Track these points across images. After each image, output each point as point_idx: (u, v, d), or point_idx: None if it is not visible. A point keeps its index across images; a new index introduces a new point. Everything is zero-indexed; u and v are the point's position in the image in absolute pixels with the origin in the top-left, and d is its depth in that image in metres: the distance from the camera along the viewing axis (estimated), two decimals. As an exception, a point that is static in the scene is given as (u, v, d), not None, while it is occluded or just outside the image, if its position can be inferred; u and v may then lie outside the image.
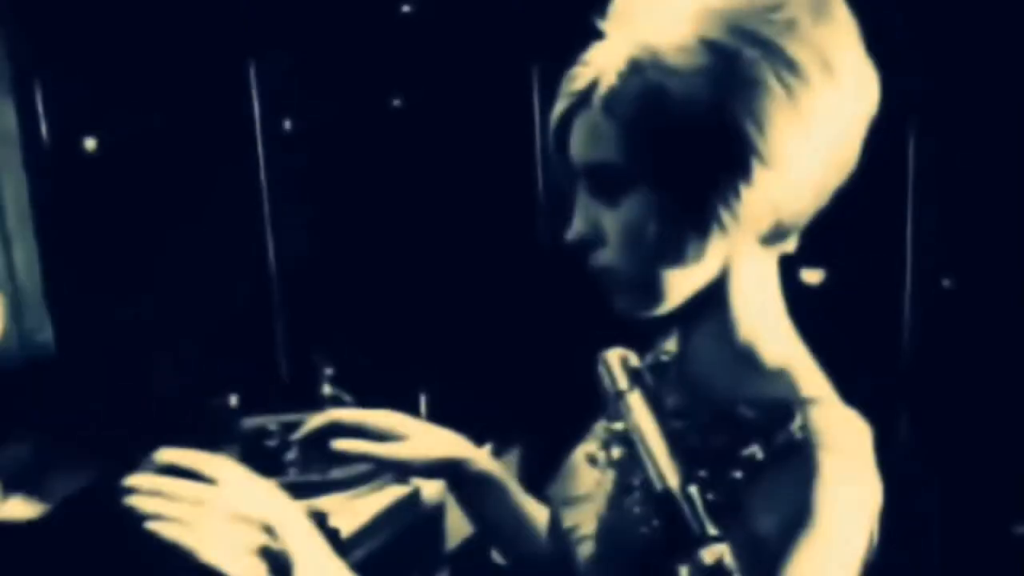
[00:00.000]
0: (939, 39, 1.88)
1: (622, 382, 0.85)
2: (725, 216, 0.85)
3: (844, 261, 2.05)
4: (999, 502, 2.01)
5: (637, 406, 0.83)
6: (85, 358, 1.55)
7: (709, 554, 0.73)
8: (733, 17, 0.84)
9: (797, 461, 0.83)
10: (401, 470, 1.16)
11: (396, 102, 2.21)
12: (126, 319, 1.76)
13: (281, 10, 2.10)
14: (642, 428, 0.81)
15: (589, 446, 1.04)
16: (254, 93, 2.15)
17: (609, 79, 0.86)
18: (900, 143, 1.96)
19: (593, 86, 0.87)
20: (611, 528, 0.95)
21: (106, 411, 1.48)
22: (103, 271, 1.74)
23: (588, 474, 1.02)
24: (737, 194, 0.84)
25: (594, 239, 0.90)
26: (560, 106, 0.91)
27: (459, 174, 2.20)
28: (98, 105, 1.83)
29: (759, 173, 0.84)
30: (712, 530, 0.74)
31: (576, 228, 0.91)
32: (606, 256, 0.90)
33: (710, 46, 0.83)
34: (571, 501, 1.02)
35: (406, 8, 2.17)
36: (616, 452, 0.99)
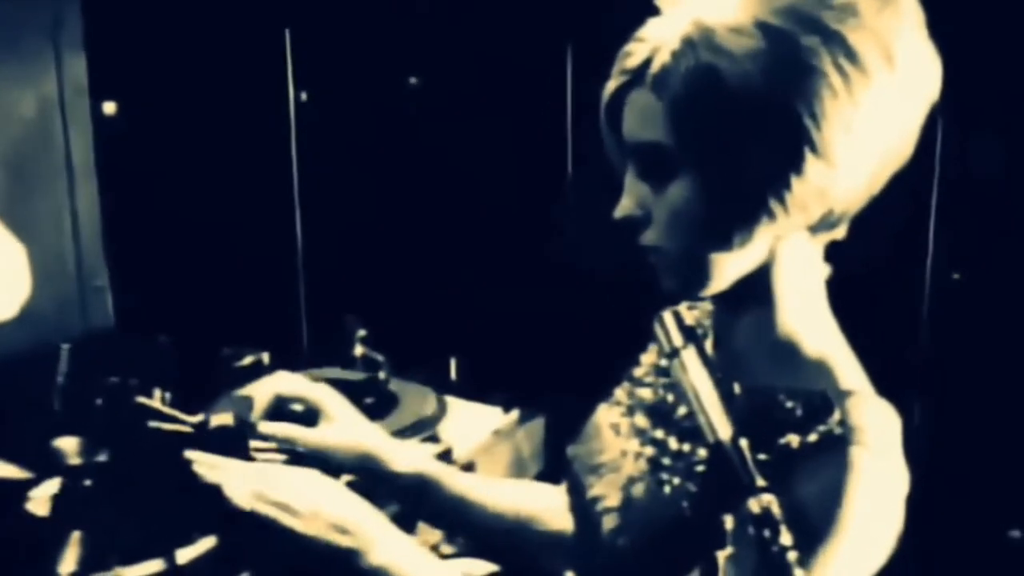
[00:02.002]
0: (964, 38, 1.90)
1: (677, 339, 0.85)
2: (774, 205, 0.84)
3: (863, 253, 2.07)
4: (994, 505, 2.03)
5: (691, 362, 0.83)
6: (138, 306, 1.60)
7: (757, 503, 0.74)
8: (793, 2, 0.82)
9: (833, 456, 0.84)
10: (319, 459, 1.11)
11: (412, 80, 2.24)
12: (175, 271, 1.81)
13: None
14: (696, 382, 0.82)
15: (612, 412, 1.06)
16: (288, 62, 2.19)
17: (662, 57, 0.85)
18: (928, 132, 1.98)
19: (647, 64, 0.87)
20: (638, 505, 0.96)
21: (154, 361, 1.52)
22: (154, 222, 1.79)
23: (613, 441, 1.03)
24: (787, 184, 0.83)
25: (641, 219, 0.90)
26: (613, 83, 0.90)
27: (496, 143, 2.23)
28: (152, 73, 1.88)
29: (811, 164, 0.82)
30: (761, 481, 0.75)
31: (623, 207, 0.91)
32: (652, 236, 0.90)
33: (767, 30, 0.81)
34: (595, 469, 1.03)
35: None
36: (641, 421, 1.01)
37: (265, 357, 1.94)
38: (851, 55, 0.81)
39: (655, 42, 0.86)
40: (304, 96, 2.20)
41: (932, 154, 1.95)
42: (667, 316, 0.89)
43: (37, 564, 1.05)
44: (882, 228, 2.00)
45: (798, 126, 0.81)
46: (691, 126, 0.84)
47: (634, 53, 0.88)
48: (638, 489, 0.96)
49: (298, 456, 1.09)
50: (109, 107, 1.70)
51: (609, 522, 0.98)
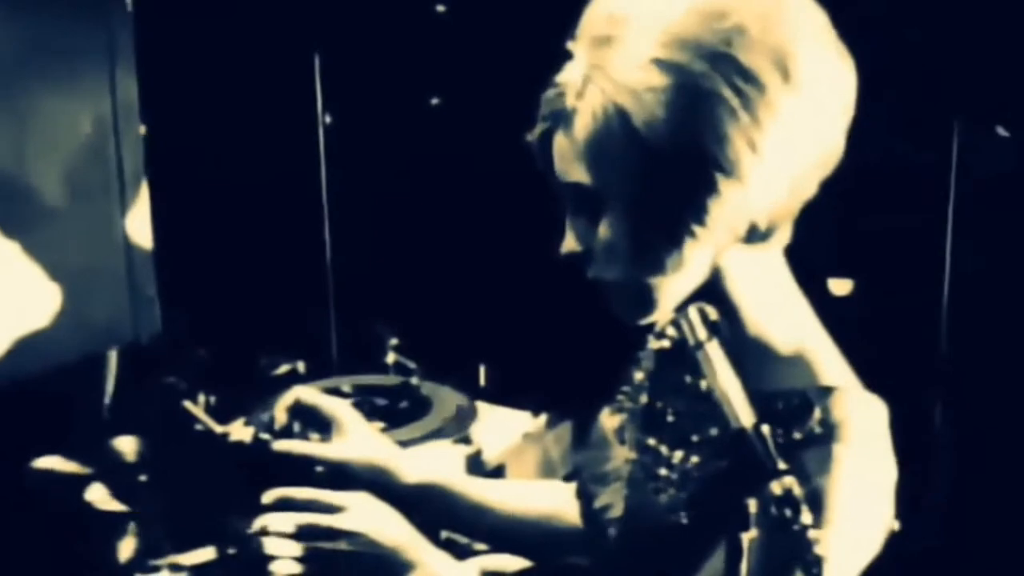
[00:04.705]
0: (982, 44, 1.93)
1: (701, 333, 0.85)
2: (696, 228, 0.86)
3: (882, 262, 2.09)
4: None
5: (715, 354, 0.84)
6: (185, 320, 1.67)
7: (779, 485, 0.76)
8: (682, 32, 0.83)
9: (815, 455, 0.86)
10: (335, 472, 1.12)
11: (434, 100, 2.29)
12: (215, 283, 1.87)
13: (320, 11, 2.20)
14: (719, 374, 0.83)
15: (614, 419, 1.07)
16: (317, 83, 2.25)
17: (571, 100, 0.87)
18: (944, 143, 2.00)
19: (563, 108, 0.88)
20: (641, 515, 0.98)
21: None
22: (197, 235, 1.86)
23: (618, 450, 1.04)
24: (704, 207, 0.85)
25: (584, 254, 0.92)
26: (538, 129, 0.92)
27: (519, 156, 2.27)
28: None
29: (724, 185, 0.85)
30: (781, 464, 0.77)
31: (566, 244, 0.93)
32: (595, 269, 0.92)
33: (662, 65, 0.83)
34: (600, 478, 1.05)
35: (440, 8, 2.25)
36: (640, 429, 1.02)
37: (300, 366, 2.00)
38: (745, 75, 0.82)
39: (566, 86, 0.88)
40: (328, 119, 2.26)
41: (949, 155, 1.97)
42: (692, 311, 0.89)
43: (97, 552, 1.10)
44: (901, 231, 2.03)
45: (704, 151, 0.83)
46: (604, 164, 0.86)
47: (551, 98, 0.90)
48: (637, 499, 0.98)
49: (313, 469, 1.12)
50: (140, 129, 1.76)
51: (615, 532, 1.00)
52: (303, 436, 1.13)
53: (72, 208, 1.51)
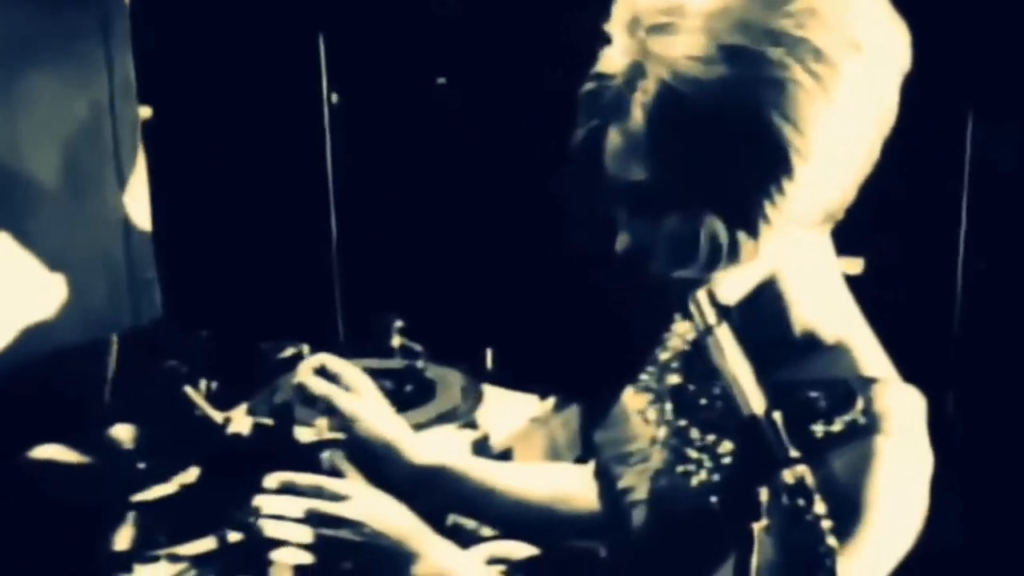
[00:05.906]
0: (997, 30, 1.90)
1: (711, 317, 0.84)
2: (772, 214, 0.84)
3: (896, 246, 2.07)
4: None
5: (725, 339, 0.83)
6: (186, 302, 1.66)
7: (790, 474, 0.74)
8: (750, 17, 0.80)
9: (857, 446, 0.85)
10: (348, 433, 1.13)
11: (440, 80, 2.26)
12: (217, 266, 1.86)
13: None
14: (729, 359, 0.82)
15: (640, 399, 1.06)
16: (323, 64, 2.23)
17: (629, 95, 0.83)
18: (958, 129, 1.97)
19: (615, 103, 0.85)
20: (666, 498, 0.97)
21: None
22: (198, 219, 1.84)
23: (642, 430, 1.03)
24: (781, 190, 0.83)
25: (643, 251, 0.89)
26: (583, 129, 0.88)
27: (526, 137, 2.25)
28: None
29: (799, 167, 0.82)
30: (794, 453, 0.76)
31: (623, 244, 0.90)
32: (659, 267, 0.89)
33: (731, 52, 0.80)
34: (624, 458, 1.04)
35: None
36: (668, 409, 1.01)
37: (305, 349, 1.98)
38: (819, 56, 0.80)
39: (618, 79, 0.85)
40: (335, 98, 2.24)
41: (963, 145, 1.94)
42: (701, 294, 0.88)
43: (94, 542, 1.09)
44: (914, 220, 2.01)
45: (780, 136, 0.81)
46: (673, 159, 0.83)
47: (596, 91, 0.86)
48: (666, 481, 0.97)
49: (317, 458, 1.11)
50: (145, 111, 1.74)
51: (639, 514, 0.99)
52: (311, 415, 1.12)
53: (69, 192, 1.50)
